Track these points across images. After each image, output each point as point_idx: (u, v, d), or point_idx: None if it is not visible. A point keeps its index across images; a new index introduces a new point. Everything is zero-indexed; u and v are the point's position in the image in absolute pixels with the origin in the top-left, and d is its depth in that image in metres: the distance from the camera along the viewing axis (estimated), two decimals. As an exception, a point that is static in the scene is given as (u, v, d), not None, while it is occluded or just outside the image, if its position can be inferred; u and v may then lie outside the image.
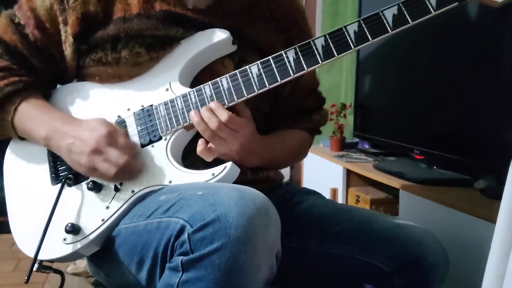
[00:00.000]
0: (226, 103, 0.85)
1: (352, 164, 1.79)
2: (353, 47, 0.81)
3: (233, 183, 0.81)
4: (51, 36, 0.93)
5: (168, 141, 0.87)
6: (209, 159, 0.85)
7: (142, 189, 0.85)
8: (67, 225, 0.85)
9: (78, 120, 0.89)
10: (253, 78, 0.85)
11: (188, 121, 0.86)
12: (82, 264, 1.67)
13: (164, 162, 0.86)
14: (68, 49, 0.93)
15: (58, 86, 1.00)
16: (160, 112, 0.89)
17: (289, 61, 0.83)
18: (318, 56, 0.82)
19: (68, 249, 0.86)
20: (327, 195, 1.88)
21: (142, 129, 0.89)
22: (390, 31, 0.80)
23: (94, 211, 0.87)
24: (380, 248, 0.88)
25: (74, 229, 0.85)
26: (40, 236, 0.84)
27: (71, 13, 0.91)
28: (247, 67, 0.85)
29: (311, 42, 0.83)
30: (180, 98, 0.88)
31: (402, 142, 1.63)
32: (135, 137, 0.89)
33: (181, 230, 0.70)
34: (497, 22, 1.21)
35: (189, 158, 0.89)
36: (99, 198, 0.87)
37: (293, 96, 1.05)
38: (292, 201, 1.02)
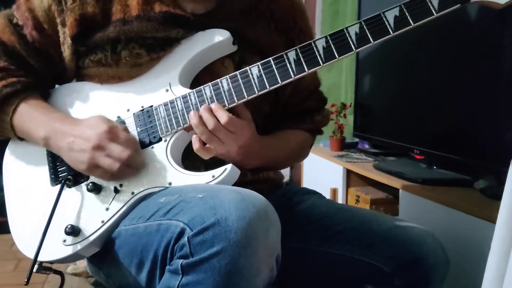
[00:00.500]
0: (226, 105, 0.85)
1: (352, 164, 1.79)
2: (354, 49, 0.81)
3: (233, 184, 0.81)
4: (49, 37, 0.93)
5: (168, 142, 0.87)
6: (206, 157, 0.84)
7: (142, 191, 0.85)
8: (66, 227, 0.85)
9: (77, 120, 0.89)
10: (254, 79, 0.85)
11: (188, 122, 0.86)
12: (82, 264, 1.67)
13: (164, 164, 0.86)
14: (66, 51, 0.93)
15: (57, 86, 0.99)
16: (160, 113, 0.89)
17: (289, 63, 0.83)
18: (319, 57, 0.82)
19: (68, 251, 0.86)
20: (327, 195, 1.88)
21: (142, 130, 0.89)
22: (391, 33, 0.80)
23: (94, 212, 0.86)
24: (380, 248, 0.88)
25: (73, 231, 0.85)
26: (40, 238, 0.84)
27: (69, 15, 0.90)
28: (247, 68, 0.85)
29: (312, 44, 0.83)
30: (180, 99, 0.88)
31: (402, 142, 1.63)
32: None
33: (181, 233, 0.70)
34: (497, 23, 1.21)
35: (189, 160, 0.89)
36: (98, 200, 0.87)
37: (294, 98, 1.05)
38: (292, 201, 1.02)
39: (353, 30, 0.81)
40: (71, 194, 0.89)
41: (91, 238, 0.85)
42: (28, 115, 0.90)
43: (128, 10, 0.90)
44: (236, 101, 0.85)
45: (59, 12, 0.91)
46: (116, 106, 0.91)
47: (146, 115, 0.90)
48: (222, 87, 0.86)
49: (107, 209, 0.86)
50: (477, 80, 1.29)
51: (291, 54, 0.83)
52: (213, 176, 0.81)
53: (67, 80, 0.98)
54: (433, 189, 1.34)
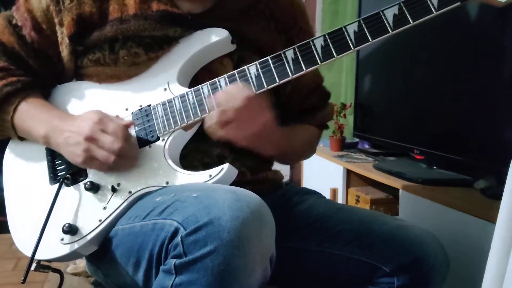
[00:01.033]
0: (224, 104, 0.85)
1: (352, 164, 1.79)
2: (352, 48, 0.81)
3: (232, 183, 0.81)
4: (48, 38, 0.93)
5: (165, 142, 0.87)
6: (217, 136, 0.82)
7: (139, 190, 0.85)
8: (64, 225, 0.85)
9: (75, 116, 0.89)
10: (251, 78, 0.84)
11: (186, 121, 0.86)
12: (81, 264, 1.67)
13: (161, 163, 0.86)
14: (64, 51, 0.93)
15: (57, 85, 0.99)
16: (158, 112, 0.88)
17: (287, 62, 0.83)
18: (317, 56, 0.82)
19: (65, 249, 0.86)
20: (327, 195, 1.88)
21: (140, 129, 0.89)
22: (390, 31, 0.79)
23: (92, 211, 0.86)
24: (380, 249, 0.88)
25: (71, 230, 0.85)
26: (38, 236, 0.84)
27: (66, 14, 0.91)
28: (245, 67, 0.85)
29: (310, 42, 0.82)
30: (178, 98, 0.87)
31: (402, 142, 1.63)
32: (132, 138, 0.88)
33: (175, 232, 0.69)
34: (498, 22, 1.20)
35: (187, 159, 0.89)
36: (96, 199, 0.87)
37: (294, 96, 1.04)
38: (292, 201, 1.02)
39: (352, 28, 0.81)
40: (69, 193, 0.89)
41: (89, 237, 0.85)
42: (29, 113, 0.90)
43: (125, 9, 0.90)
44: (234, 100, 0.84)
45: (57, 12, 0.91)
46: (114, 105, 0.91)
47: (144, 114, 0.89)
48: (220, 86, 0.85)
49: (104, 208, 0.86)
50: (477, 80, 1.29)
51: (289, 53, 0.83)
52: (210, 176, 0.81)
53: (67, 80, 0.98)
54: (433, 189, 1.33)
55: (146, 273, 0.78)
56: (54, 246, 0.86)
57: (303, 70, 0.82)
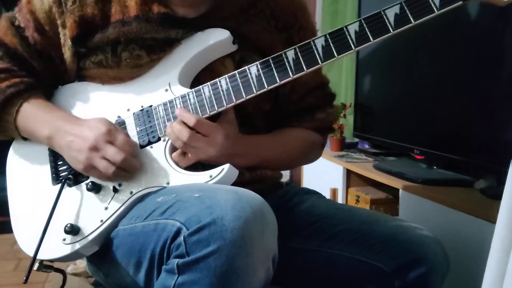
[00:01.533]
0: (225, 104, 0.85)
1: (352, 164, 1.79)
2: (353, 48, 0.80)
3: (232, 183, 0.81)
4: (51, 39, 0.94)
5: (166, 142, 0.87)
6: (182, 165, 0.85)
7: (140, 190, 0.85)
8: (66, 226, 0.86)
9: (80, 119, 0.90)
10: (252, 79, 0.84)
11: None
12: (82, 264, 1.67)
13: (162, 163, 0.86)
14: (67, 52, 0.94)
15: (60, 87, 1.00)
16: (159, 113, 0.89)
17: (288, 62, 0.83)
18: (318, 56, 0.82)
19: (67, 250, 0.86)
20: (327, 195, 1.88)
21: (141, 130, 0.89)
22: (391, 31, 0.79)
23: (93, 211, 0.87)
24: (380, 249, 0.88)
25: (73, 230, 0.86)
26: (40, 236, 0.84)
27: (69, 16, 0.91)
28: (246, 67, 0.85)
29: (311, 42, 0.82)
30: (179, 99, 0.88)
31: (402, 142, 1.63)
32: (134, 138, 0.89)
33: (178, 232, 0.70)
34: (499, 22, 1.20)
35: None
36: (98, 199, 0.87)
37: (292, 95, 1.02)
38: (292, 201, 1.02)
39: (353, 28, 0.80)
40: (71, 193, 0.89)
41: (90, 237, 0.85)
42: (32, 114, 0.90)
43: (126, 11, 0.90)
44: (234, 101, 0.85)
45: (60, 13, 0.92)
46: (116, 106, 0.92)
47: (145, 115, 0.90)
48: (221, 86, 0.86)
49: (106, 208, 0.86)
50: (477, 80, 1.29)
51: (290, 53, 0.83)
52: (210, 176, 0.81)
53: (69, 81, 0.98)
54: (433, 189, 1.33)
55: (148, 273, 0.78)
56: (56, 246, 0.87)
57: (304, 70, 0.82)
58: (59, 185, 0.89)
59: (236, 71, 0.86)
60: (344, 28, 0.81)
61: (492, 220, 0.99)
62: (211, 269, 0.66)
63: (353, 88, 2.01)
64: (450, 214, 1.21)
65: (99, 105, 0.93)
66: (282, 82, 0.83)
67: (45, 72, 0.96)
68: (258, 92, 0.84)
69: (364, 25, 0.80)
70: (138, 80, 0.92)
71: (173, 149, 0.88)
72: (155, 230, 0.75)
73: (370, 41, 0.80)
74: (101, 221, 0.86)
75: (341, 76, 2.36)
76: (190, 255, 0.67)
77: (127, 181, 0.86)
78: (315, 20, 2.51)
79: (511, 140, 1.17)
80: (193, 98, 0.87)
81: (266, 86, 0.84)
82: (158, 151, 0.87)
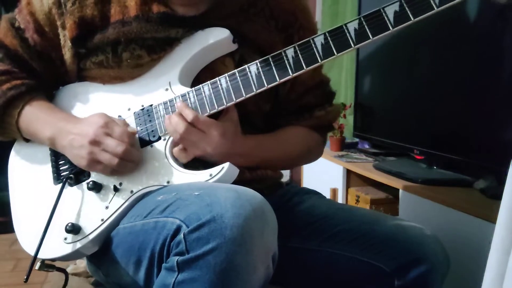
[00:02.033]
0: (225, 103, 0.85)
1: (352, 164, 1.79)
2: (353, 45, 0.80)
3: (232, 182, 0.81)
4: (51, 40, 0.94)
5: (167, 141, 0.87)
6: (183, 160, 0.86)
7: (140, 189, 0.85)
8: (67, 225, 0.86)
9: (80, 118, 0.90)
10: (252, 77, 0.84)
11: None
12: (82, 264, 1.67)
13: (162, 162, 0.86)
14: (67, 53, 0.94)
15: (60, 87, 1.00)
16: (160, 112, 0.89)
17: (288, 60, 0.83)
18: (317, 54, 0.82)
19: (68, 249, 0.86)
20: (327, 195, 1.88)
21: (141, 129, 0.89)
22: (391, 28, 0.79)
23: (94, 211, 0.87)
24: (380, 248, 0.88)
25: (74, 229, 0.86)
26: (41, 236, 0.84)
27: (68, 17, 0.91)
28: (246, 66, 0.85)
29: (311, 41, 0.82)
30: (179, 98, 0.88)
31: (402, 142, 1.63)
32: (136, 142, 0.88)
33: (177, 230, 0.70)
34: (499, 21, 1.20)
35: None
36: (98, 198, 0.87)
37: (291, 94, 1.02)
38: (292, 201, 1.02)
39: (352, 26, 0.80)
40: (73, 193, 0.90)
41: (91, 236, 0.86)
42: (34, 116, 0.91)
43: (126, 11, 0.90)
44: (234, 99, 0.85)
45: (59, 15, 0.92)
46: (117, 106, 0.92)
47: (146, 114, 0.90)
48: (221, 85, 0.86)
49: (106, 207, 0.86)
50: (477, 80, 1.29)
51: (290, 52, 0.83)
52: (210, 175, 0.81)
53: (70, 82, 0.98)
54: (433, 189, 1.33)
55: (147, 271, 0.78)
56: (57, 245, 0.87)
57: (303, 68, 0.82)
58: (60, 184, 0.89)
59: (236, 70, 0.86)
60: (344, 26, 0.81)
61: (492, 220, 0.99)
62: (211, 267, 0.66)
63: (353, 88, 2.01)
64: (450, 214, 1.21)
65: (99, 105, 0.93)
66: (282, 80, 0.83)
67: (46, 73, 0.96)
68: (258, 91, 0.84)
69: (364, 22, 0.80)
70: (139, 80, 0.92)
71: (174, 148, 0.88)
72: (154, 228, 0.75)
73: (370, 38, 0.80)
74: (102, 220, 0.86)
75: (341, 76, 2.36)
76: (190, 253, 0.67)
77: (128, 179, 0.86)
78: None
79: (511, 140, 1.17)
80: (193, 97, 0.87)
81: (266, 85, 0.84)
82: (159, 150, 0.87)
